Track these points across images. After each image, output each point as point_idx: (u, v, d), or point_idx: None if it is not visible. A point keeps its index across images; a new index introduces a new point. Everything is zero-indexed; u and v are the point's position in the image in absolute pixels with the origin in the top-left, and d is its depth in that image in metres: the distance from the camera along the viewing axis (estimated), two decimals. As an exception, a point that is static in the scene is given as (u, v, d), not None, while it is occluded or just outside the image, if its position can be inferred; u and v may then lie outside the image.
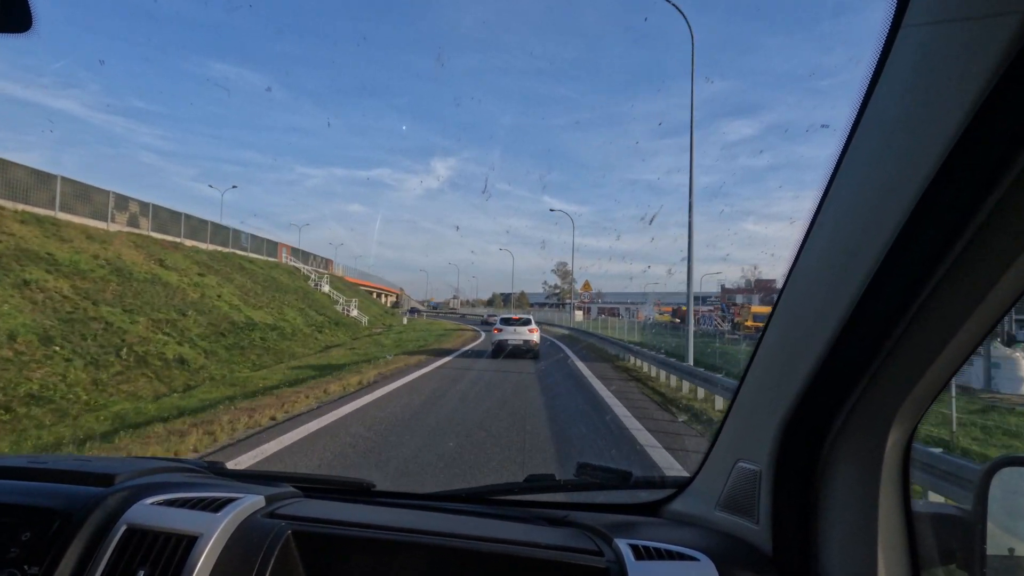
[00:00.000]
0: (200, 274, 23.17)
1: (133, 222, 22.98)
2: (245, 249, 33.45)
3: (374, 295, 62.36)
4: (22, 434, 7.78)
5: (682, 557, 0.93)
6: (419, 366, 13.89)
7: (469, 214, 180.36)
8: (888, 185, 0.62)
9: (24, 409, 9.28)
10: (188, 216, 27.50)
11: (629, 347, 16.47)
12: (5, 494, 1.05)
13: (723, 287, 59.79)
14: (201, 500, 1.05)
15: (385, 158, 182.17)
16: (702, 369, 9.39)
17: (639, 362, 14.48)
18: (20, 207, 17.31)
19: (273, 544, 0.95)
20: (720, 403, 8.26)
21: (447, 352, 18.77)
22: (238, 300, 23.55)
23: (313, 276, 39.78)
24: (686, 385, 10.23)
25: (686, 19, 11.72)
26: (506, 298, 71.43)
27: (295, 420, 6.56)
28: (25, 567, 0.92)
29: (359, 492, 1.36)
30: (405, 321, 48.44)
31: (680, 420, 7.60)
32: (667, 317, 54.97)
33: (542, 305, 72.50)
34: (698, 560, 0.92)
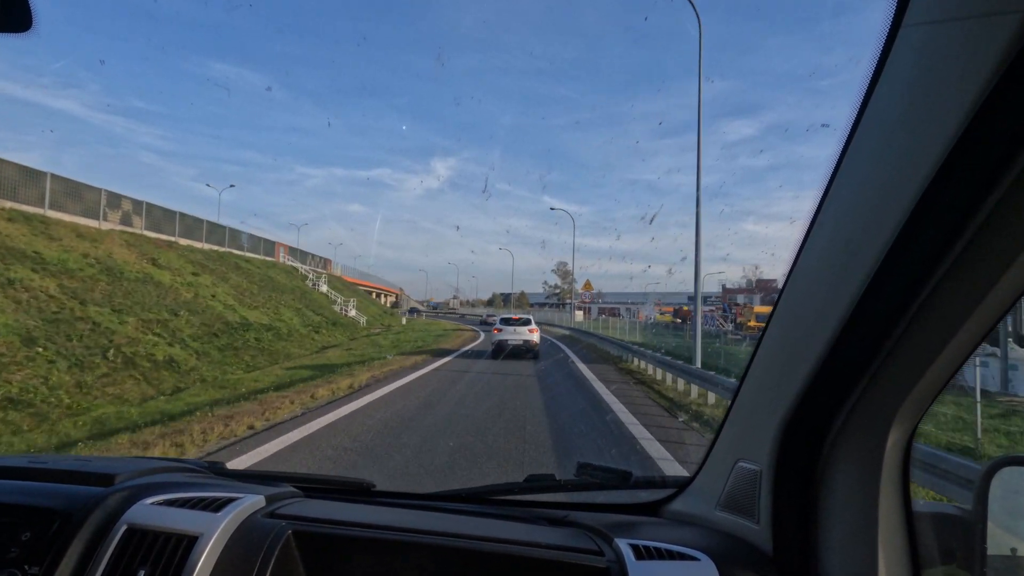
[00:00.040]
0: (194, 273, 22.78)
1: (126, 220, 22.58)
2: (242, 248, 33.06)
3: (373, 295, 62.09)
4: (-7, 440, 7.39)
5: (682, 557, 0.93)
6: (415, 368, 13.39)
7: (469, 214, 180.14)
8: (888, 185, 0.62)
9: (0, 413, 8.88)
10: (183, 215, 27.11)
11: (632, 348, 16.02)
12: (5, 494, 1.05)
13: (724, 287, 59.41)
14: (201, 500, 1.04)
15: (385, 158, 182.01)
16: (713, 372, 8.86)
17: (643, 364, 14.01)
18: (8, 204, 16.91)
19: (273, 544, 0.95)
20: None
21: (445, 353, 18.33)
22: (233, 300, 23.16)
23: (311, 276, 39.40)
24: (695, 389, 9.74)
25: (695, 8, 11.31)
26: (506, 298, 71.11)
27: (275, 430, 6.11)
28: (25, 567, 0.92)
29: (359, 492, 1.35)
30: (404, 321, 48.06)
31: (694, 427, 7.18)
32: (668, 317, 54.65)
33: (542, 305, 72.18)
34: (698, 560, 0.91)
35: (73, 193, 19.89)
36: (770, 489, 0.91)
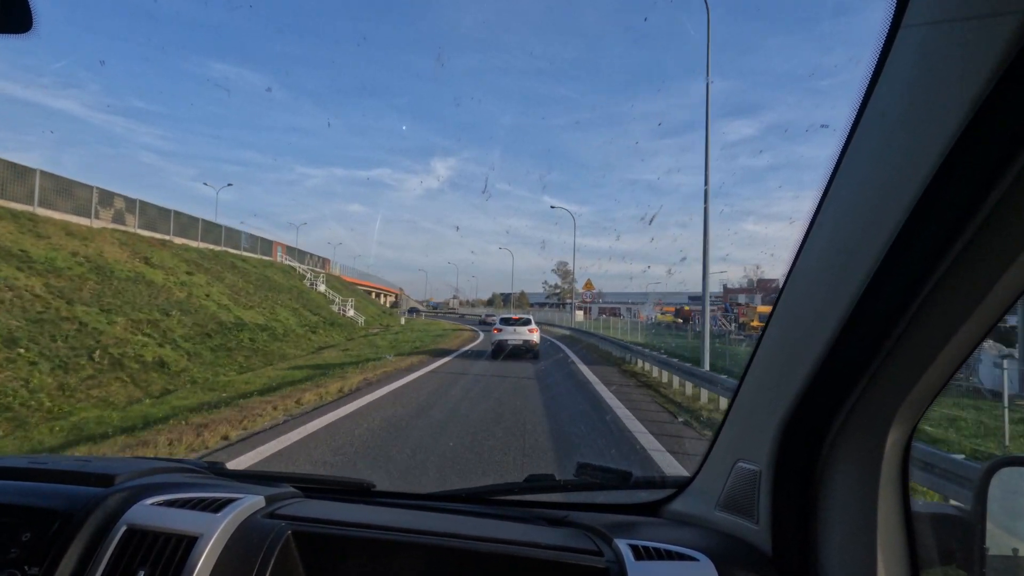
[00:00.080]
0: (188, 272, 22.37)
1: (119, 219, 22.17)
2: (238, 247, 32.66)
3: (373, 295, 61.78)
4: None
5: (682, 557, 0.93)
6: (409, 370, 12.88)
7: (469, 214, 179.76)
8: (888, 185, 0.62)
9: (-26, 418, 8.47)
10: (178, 213, 26.70)
11: (634, 349, 15.55)
12: (5, 494, 1.05)
13: (725, 287, 59.00)
14: (201, 500, 1.04)
15: (385, 158, 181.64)
16: (724, 376, 8.37)
17: (646, 366, 13.52)
18: (-5, 202, 16.54)
19: (273, 544, 0.95)
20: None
21: (442, 354, 17.88)
22: (228, 299, 22.75)
23: (309, 275, 38.99)
24: (704, 394, 9.22)
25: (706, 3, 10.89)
26: (506, 298, 70.71)
27: (250, 441, 5.57)
28: (25, 567, 0.92)
29: (359, 492, 1.35)
30: (403, 321, 47.66)
31: (707, 436, 6.73)
32: (670, 317, 54.28)
33: (542, 305, 71.82)
34: (698, 560, 0.91)
35: (64, 191, 19.48)
36: (769, 489, 0.91)
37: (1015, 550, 0.85)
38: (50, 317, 12.90)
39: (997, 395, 10.63)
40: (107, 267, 17.52)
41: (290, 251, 41.45)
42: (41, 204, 18.32)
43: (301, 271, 39.21)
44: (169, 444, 5.42)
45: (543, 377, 12.14)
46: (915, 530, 0.80)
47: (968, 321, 0.63)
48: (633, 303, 61.13)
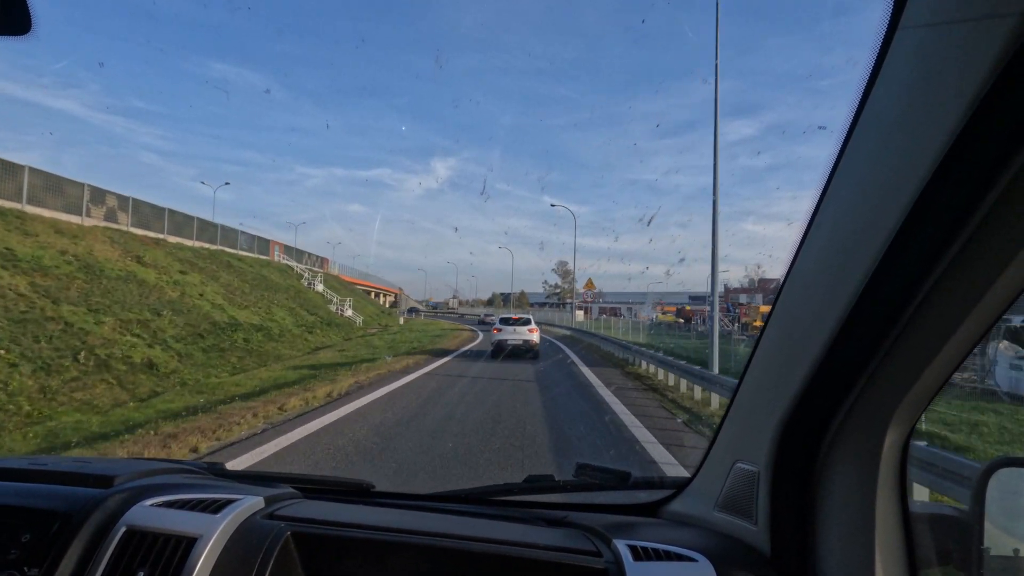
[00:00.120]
0: (182, 272, 21.96)
1: (111, 217, 21.76)
2: (235, 246, 32.26)
3: (372, 295, 61.47)
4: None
5: (680, 558, 0.93)
6: (405, 372, 12.35)
7: (469, 214, 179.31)
8: (886, 186, 0.62)
9: (-55, 423, 8.06)
10: (172, 211, 26.29)
11: (638, 350, 15.10)
12: (5, 496, 1.05)
13: (727, 287, 58.58)
14: (200, 501, 1.04)
15: (385, 158, 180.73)
16: (735, 380, 7.82)
17: (651, 367, 13.03)
18: (-19, 199, 16.14)
19: (272, 545, 0.95)
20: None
21: (439, 355, 17.44)
22: (222, 299, 22.34)
23: (306, 275, 38.59)
24: (715, 399, 8.75)
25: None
26: (506, 298, 70.31)
27: (220, 454, 5.11)
28: (25, 568, 0.92)
29: (358, 493, 1.34)
30: (402, 321, 47.28)
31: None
32: (671, 317, 53.97)
33: (542, 305, 71.50)
34: (696, 561, 0.92)
35: (54, 188, 19.07)
36: (768, 490, 0.91)
37: (1016, 551, 0.85)
38: (34, 317, 12.49)
39: (1015, 398, 10.26)
40: (97, 266, 17.11)
41: (288, 250, 41.07)
42: (30, 202, 17.91)
43: (299, 270, 38.82)
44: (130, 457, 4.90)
45: (543, 380, 11.69)
46: (913, 530, 0.81)
47: (966, 322, 0.63)
48: (633, 303, 60.81)
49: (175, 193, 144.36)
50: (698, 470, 1.20)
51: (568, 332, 30.61)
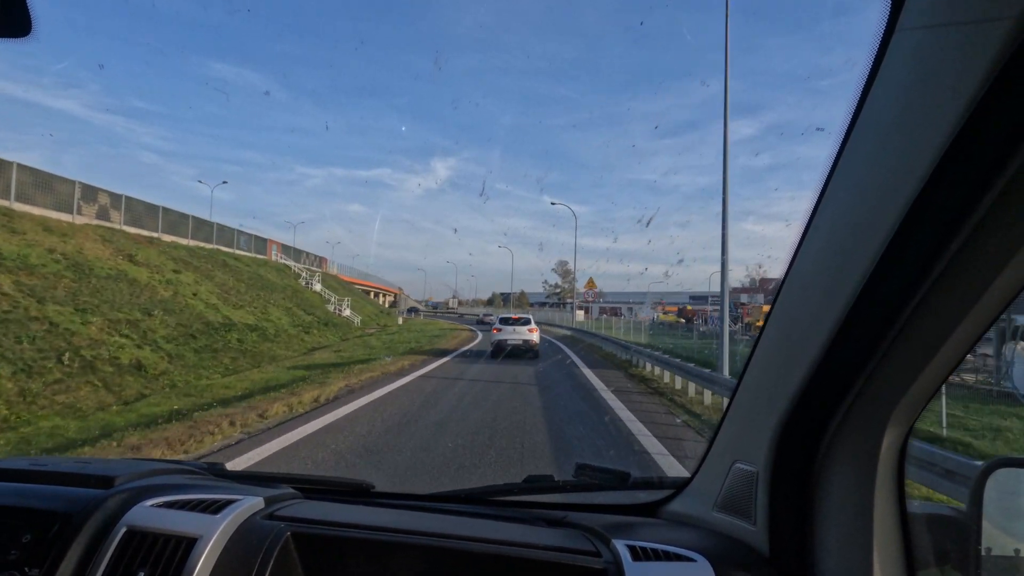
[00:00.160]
0: (175, 271, 21.54)
1: (103, 215, 21.36)
2: (231, 245, 31.84)
3: (372, 295, 61.13)
4: None
5: (679, 558, 0.93)
6: (399, 374, 11.80)
7: (468, 214, 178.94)
8: (883, 187, 0.62)
9: (-87, 429, 7.65)
10: (167, 209, 25.88)
11: (641, 351, 14.63)
12: (5, 496, 1.05)
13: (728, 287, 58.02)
14: (201, 502, 1.04)
15: (385, 158, 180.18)
16: None
17: (657, 369, 12.53)
18: (-34, 195, 15.73)
19: (272, 545, 0.95)
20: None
21: (437, 356, 16.99)
22: (216, 299, 21.93)
23: (304, 274, 38.17)
24: (727, 403, 8.16)
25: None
26: (506, 298, 69.88)
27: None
28: (26, 569, 0.92)
29: (358, 493, 1.35)
30: (400, 321, 46.84)
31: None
32: (672, 317, 53.61)
33: (542, 304, 71.14)
34: (695, 561, 0.92)
35: (44, 185, 18.66)
36: (766, 490, 0.91)
37: (1016, 550, 0.85)
38: (17, 317, 12.08)
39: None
40: (86, 264, 16.70)
41: (285, 250, 40.66)
42: (18, 199, 17.51)
43: (296, 270, 38.42)
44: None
45: (544, 383, 11.24)
46: (911, 531, 0.81)
47: (963, 323, 0.63)
48: (633, 303, 60.47)
49: (175, 193, 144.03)
50: (697, 470, 1.20)
51: (568, 332, 30.20)
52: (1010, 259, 0.57)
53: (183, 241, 26.54)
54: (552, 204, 43.26)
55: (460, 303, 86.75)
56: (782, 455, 0.88)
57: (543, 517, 1.19)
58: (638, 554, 0.93)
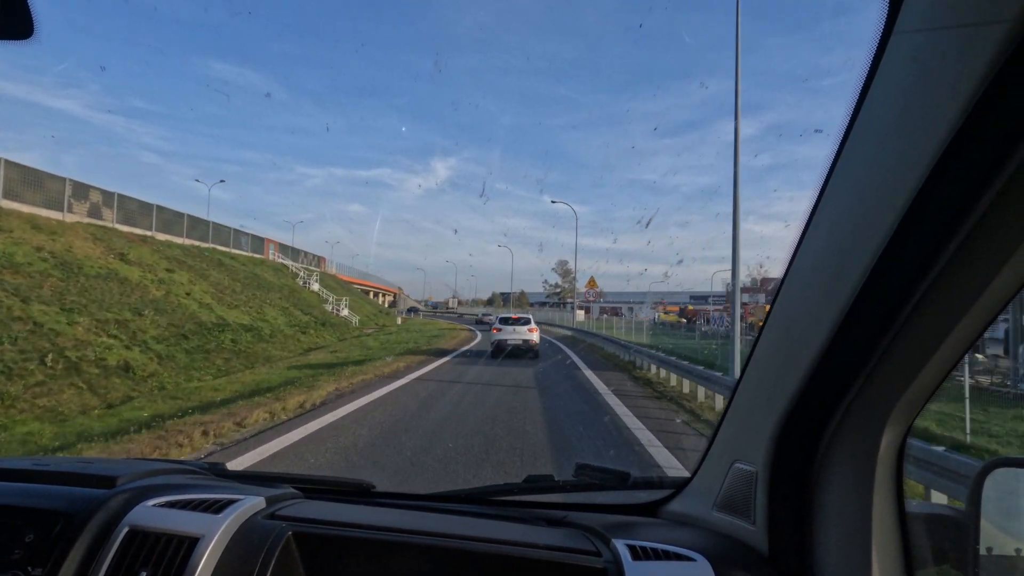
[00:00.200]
0: (168, 270, 21.13)
1: (95, 213, 20.95)
2: (227, 244, 31.43)
3: (371, 295, 60.81)
4: None
5: (679, 557, 0.93)
6: (393, 376, 11.27)
7: (468, 214, 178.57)
8: (882, 187, 0.63)
9: None
10: (161, 208, 25.48)
11: (645, 352, 14.16)
12: (8, 496, 1.06)
13: (729, 286, 57.74)
14: (202, 502, 1.05)
15: (385, 158, 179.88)
16: None
17: (663, 372, 12.05)
18: (-49, 192, 15.33)
19: (274, 545, 0.95)
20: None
21: (434, 357, 16.57)
22: (210, 298, 21.51)
23: (302, 274, 37.75)
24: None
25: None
26: (505, 297, 69.45)
27: None
28: (29, 568, 0.92)
29: (359, 493, 1.35)
30: (399, 321, 46.43)
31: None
32: (674, 317, 53.24)
33: (542, 304, 70.80)
34: (695, 560, 0.92)
35: (33, 182, 18.25)
36: (766, 490, 0.91)
37: (1016, 550, 0.85)
38: (-1, 317, 11.68)
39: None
40: (75, 263, 16.29)
41: (283, 249, 40.27)
42: (6, 196, 17.11)
43: (294, 269, 38.00)
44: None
45: (545, 386, 10.83)
46: (910, 530, 0.81)
47: (962, 322, 0.63)
48: (634, 303, 60.12)
49: (175, 193, 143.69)
50: (697, 470, 1.19)
51: (569, 332, 29.80)
52: (1008, 258, 0.58)
53: (178, 240, 26.13)
54: (552, 202, 43.00)
55: (460, 303, 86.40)
56: (781, 455, 0.89)
57: (543, 517, 1.20)
58: (638, 553, 0.93)
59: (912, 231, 0.59)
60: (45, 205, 18.55)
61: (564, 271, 64.47)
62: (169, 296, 18.84)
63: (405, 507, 1.27)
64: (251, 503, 1.05)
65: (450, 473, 4.88)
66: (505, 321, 17.45)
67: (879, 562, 0.78)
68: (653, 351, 13.35)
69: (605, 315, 44.47)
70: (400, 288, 74.42)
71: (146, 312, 16.39)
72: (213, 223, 30.48)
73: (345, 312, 36.33)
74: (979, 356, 15.25)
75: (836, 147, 0.69)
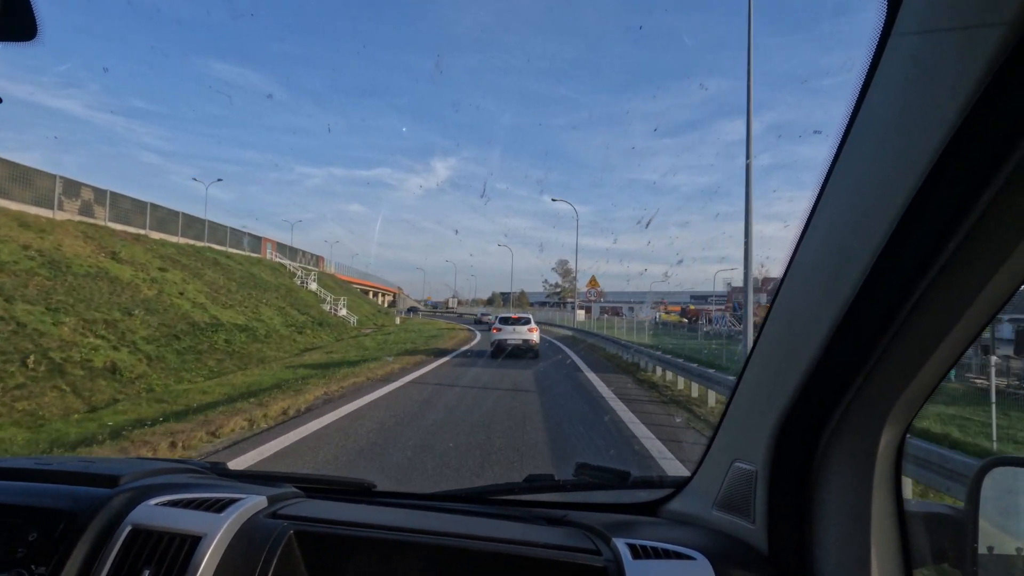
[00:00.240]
0: (161, 269, 20.72)
1: (87, 211, 20.54)
2: (224, 244, 31.02)
3: (370, 294, 60.47)
4: None
5: (679, 556, 0.94)
6: (387, 380, 10.74)
7: (468, 214, 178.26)
8: (881, 187, 0.63)
9: None
10: (155, 206, 25.06)
11: (649, 353, 13.72)
12: (12, 495, 1.06)
13: (730, 286, 57.42)
14: (205, 500, 1.05)
15: (385, 158, 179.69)
16: None
17: (668, 374, 11.61)
18: (-65, 189, 14.92)
19: (276, 544, 0.96)
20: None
21: (432, 358, 16.15)
22: (205, 298, 21.11)
23: (299, 273, 37.33)
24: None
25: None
26: (506, 297, 69.03)
27: None
28: (32, 567, 0.93)
29: (360, 492, 1.36)
30: (398, 321, 46.01)
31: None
32: (675, 317, 52.90)
33: (542, 304, 70.45)
34: (695, 559, 0.92)
35: (21, 179, 17.84)
36: (765, 489, 0.92)
37: (1019, 549, 0.85)
38: (-21, 317, 11.28)
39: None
40: (64, 262, 15.88)
41: (281, 248, 39.87)
42: (-7, 193, 16.70)
43: (291, 269, 37.59)
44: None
45: (546, 389, 10.41)
46: (909, 529, 0.81)
47: (961, 321, 0.64)
48: (634, 302, 59.74)
49: (175, 193, 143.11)
50: (697, 469, 1.20)
51: (569, 333, 29.40)
52: (1007, 258, 0.58)
53: (172, 239, 25.72)
54: (553, 200, 42.64)
55: (460, 303, 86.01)
56: (781, 454, 0.88)
57: (544, 516, 1.21)
58: (638, 552, 0.94)
59: (911, 231, 0.60)
60: (34, 202, 18.15)
61: (564, 271, 64.14)
62: (161, 296, 18.43)
63: (406, 506, 1.28)
64: (253, 502, 1.05)
65: (450, 478, 4.44)
66: (505, 321, 17.26)
67: (878, 560, 0.78)
68: (659, 353, 12.89)
69: (606, 315, 44.10)
70: (400, 288, 74.15)
71: (136, 312, 15.99)
72: (209, 222, 30.08)
73: (343, 312, 35.93)
74: (993, 357, 14.92)
75: (836, 147, 0.69)
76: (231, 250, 31.52)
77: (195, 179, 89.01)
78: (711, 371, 8.75)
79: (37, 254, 15.30)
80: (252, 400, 7.86)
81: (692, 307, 59.74)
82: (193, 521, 0.97)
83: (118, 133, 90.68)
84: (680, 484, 1.25)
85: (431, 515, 1.16)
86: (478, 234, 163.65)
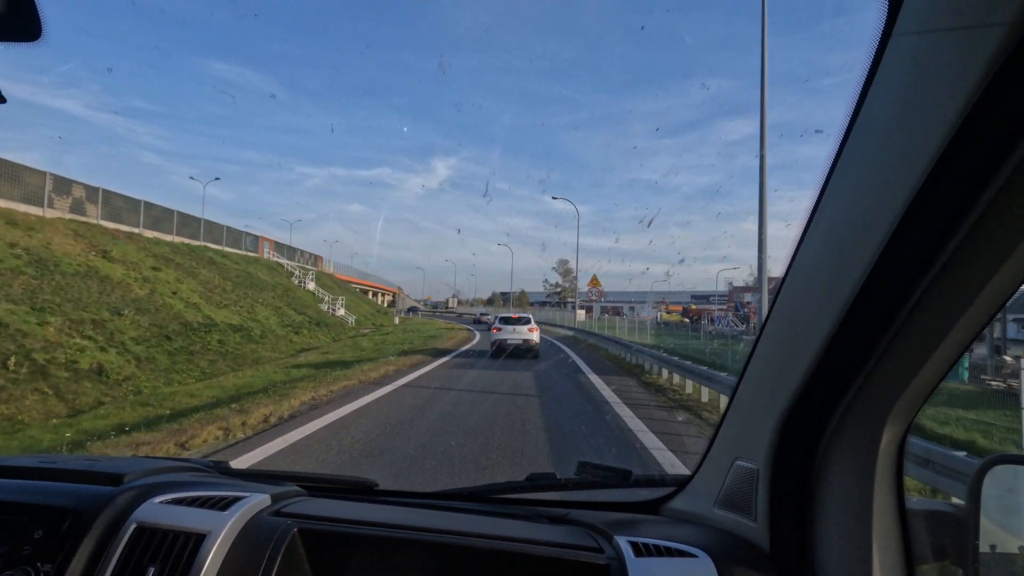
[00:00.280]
0: (154, 268, 20.34)
1: (78, 208, 20.15)
2: (220, 242, 30.63)
3: (370, 294, 60.16)
4: None
5: (681, 554, 0.94)
6: (380, 383, 10.20)
7: (468, 214, 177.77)
8: (882, 187, 0.63)
9: None
10: (150, 204, 24.69)
11: (654, 354, 13.29)
12: (17, 493, 1.07)
13: (731, 285, 57.07)
14: (209, 499, 1.06)
15: (385, 158, 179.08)
16: None
17: (674, 377, 11.17)
18: (-82, 185, 14.53)
19: (279, 542, 0.96)
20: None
21: (430, 358, 15.76)
22: (199, 297, 20.71)
23: (297, 273, 36.95)
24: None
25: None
26: (506, 297, 68.62)
27: None
28: (38, 564, 0.93)
29: (363, 491, 1.37)
30: (397, 321, 45.62)
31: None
32: (677, 317, 52.58)
33: (543, 304, 70.08)
34: (697, 557, 0.93)
35: (10, 176, 17.46)
36: (767, 487, 0.92)
37: (1020, 547, 0.86)
38: (-42, 317, 10.89)
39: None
40: (52, 260, 15.49)
41: (279, 247, 39.49)
42: (-20, 190, 16.32)
43: (289, 268, 37.20)
44: None
45: (546, 392, 10.01)
46: (910, 527, 0.81)
47: (961, 320, 0.64)
48: (635, 302, 59.35)
49: (174, 193, 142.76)
50: (698, 468, 1.20)
51: (570, 333, 29.00)
52: (1007, 257, 0.58)
53: (167, 237, 25.33)
54: (554, 199, 42.19)
55: (460, 302, 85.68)
56: (782, 452, 0.88)
57: (546, 514, 1.21)
58: (640, 550, 0.94)
59: (912, 230, 0.60)
60: (23, 200, 17.76)
61: (565, 270, 63.80)
62: (153, 295, 18.04)
63: (408, 504, 1.28)
64: (257, 500, 1.06)
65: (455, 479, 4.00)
66: (505, 321, 17.02)
67: (880, 558, 0.78)
68: (665, 354, 12.46)
69: (607, 315, 43.70)
70: (399, 288, 73.85)
71: (126, 312, 15.59)
72: (205, 220, 29.70)
73: (341, 312, 35.57)
74: (1007, 358, 14.50)
75: (836, 147, 0.69)
76: (228, 249, 31.15)
77: (192, 178, 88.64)
78: (722, 375, 8.27)
79: (24, 252, 14.91)
80: (234, 406, 7.42)
81: (694, 307, 59.43)
82: (197, 519, 0.98)
83: (118, 133, 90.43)
84: (682, 482, 1.25)
85: (433, 513, 1.17)
86: (479, 234, 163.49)
